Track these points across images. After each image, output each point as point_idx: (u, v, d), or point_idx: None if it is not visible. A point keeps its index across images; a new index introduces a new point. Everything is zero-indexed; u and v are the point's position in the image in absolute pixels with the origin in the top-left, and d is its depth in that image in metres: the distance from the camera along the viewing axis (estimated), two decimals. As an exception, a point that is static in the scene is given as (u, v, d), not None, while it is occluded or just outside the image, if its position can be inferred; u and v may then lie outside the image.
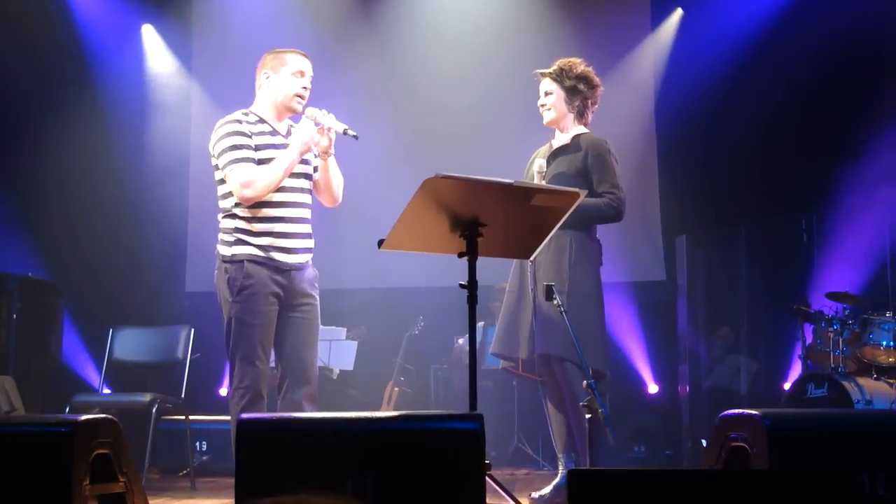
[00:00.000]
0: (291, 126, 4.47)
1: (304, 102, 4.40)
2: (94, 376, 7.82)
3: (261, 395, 4.23)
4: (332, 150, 4.40)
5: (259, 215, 4.27)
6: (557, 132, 4.98)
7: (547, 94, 4.91)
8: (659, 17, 8.62)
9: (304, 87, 4.39)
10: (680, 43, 8.45)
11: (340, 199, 4.57)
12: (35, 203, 8.10)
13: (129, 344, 6.54)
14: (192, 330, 6.39)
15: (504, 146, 7.34)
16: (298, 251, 4.35)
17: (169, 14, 8.88)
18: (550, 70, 4.91)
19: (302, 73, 4.39)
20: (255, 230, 4.27)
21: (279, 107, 4.40)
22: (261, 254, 4.25)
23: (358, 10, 8.82)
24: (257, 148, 4.26)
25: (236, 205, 4.28)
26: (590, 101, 4.93)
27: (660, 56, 8.53)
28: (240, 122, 4.30)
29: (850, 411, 5.52)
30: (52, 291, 7.59)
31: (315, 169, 4.50)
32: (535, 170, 4.76)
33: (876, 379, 6.27)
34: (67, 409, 5.90)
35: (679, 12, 8.54)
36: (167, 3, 8.87)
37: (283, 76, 4.38)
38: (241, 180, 4.20)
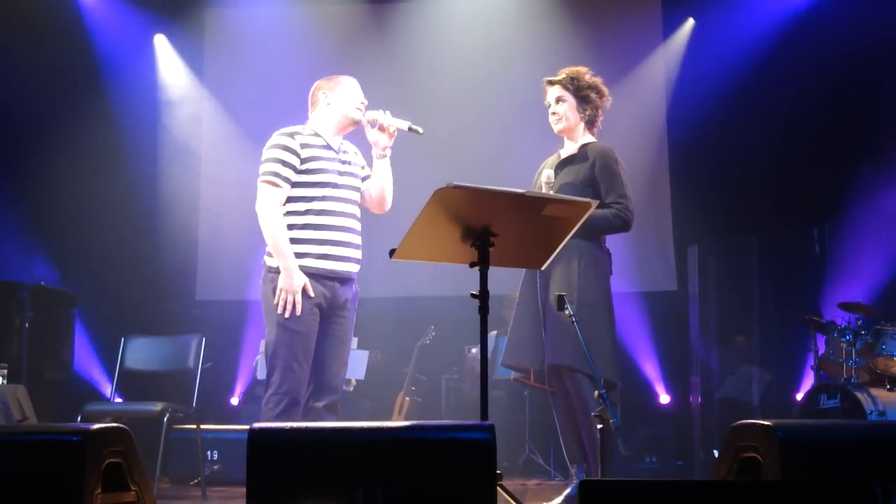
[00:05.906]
0: (342, 143, 4.59)
1: (363, 111, 4.57)
2: (105, 385, 7.84)
3: (297, 402, 4.32)
4: (389, 152, 4.59)
5: (306, 223, 4.38)
6: (566, 141, 4.96)
7: (559, 101, 4.88)
8: (671, 27, 8.63)
9: (362, 101, 4.58)
10: (692, 53, 8.45)
11: (389, 207, 4.70)
12: (47, 212, 8.12)
13: (140, 353, 6.54)
14: (204, 339, 6.40)
15: (516, 155, 7.33)
16: (345, 260, 4.44)
17: (181, 25, 8.91)
18: (560, 78, 4.88)
19: (358, 91, 4.61)
20: (301, 238, 4.37)
21: (341, 119, 4.55)
22: (306, 263, 4.35)
23: (369, 21, 8.84)
24: (306, 160, 4.39)
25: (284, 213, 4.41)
26: (600, 110, 4.92)
27: (671, 66, 8.54)
28: (292, 136, 4.43)
29: (863, 422, 5.49)
30: (63, 301, 7.61)
31: (363, 179, 4.64)
32: (543, 180, 4.74)
33: (889, 390, 6.25)
34: (79, 418, 5.90)
35: (691, 22, 8.55)
36: (179, 14, 8.90)
37: (340, 93, 4.56)
38: (259, 197, 4.38)
